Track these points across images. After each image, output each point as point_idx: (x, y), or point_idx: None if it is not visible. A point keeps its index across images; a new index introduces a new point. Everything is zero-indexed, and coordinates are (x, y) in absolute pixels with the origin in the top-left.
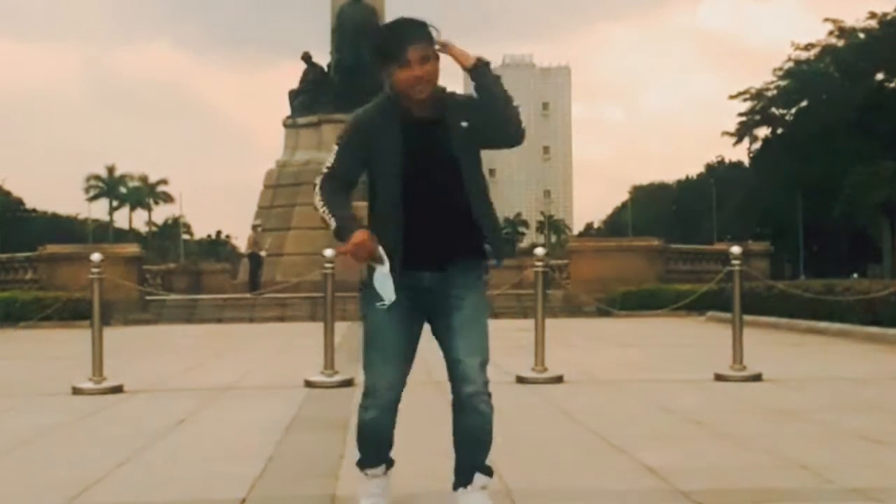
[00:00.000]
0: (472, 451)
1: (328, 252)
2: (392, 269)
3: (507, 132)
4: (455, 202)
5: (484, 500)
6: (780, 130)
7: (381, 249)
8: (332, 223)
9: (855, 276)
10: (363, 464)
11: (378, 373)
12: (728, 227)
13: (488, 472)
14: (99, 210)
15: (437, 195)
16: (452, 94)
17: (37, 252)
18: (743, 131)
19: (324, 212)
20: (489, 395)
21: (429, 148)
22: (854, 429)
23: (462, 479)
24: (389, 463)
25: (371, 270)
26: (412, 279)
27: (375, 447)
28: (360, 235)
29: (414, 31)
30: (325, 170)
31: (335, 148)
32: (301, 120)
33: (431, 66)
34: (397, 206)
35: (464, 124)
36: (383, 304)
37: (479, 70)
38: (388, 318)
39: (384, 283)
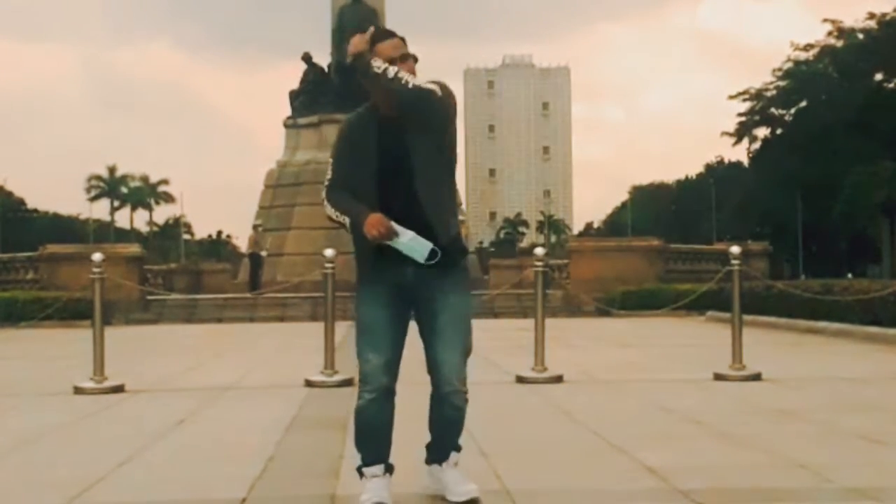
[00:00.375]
0: (447, 435)
1: (328, 252)
2: (371, 265)
3: (411, 107)
4: (422, 198)
5: (459, 474)
6: (779, 131)
7: (393, 223)
8: (347, 220)
9: (850, 276)
10: (362, 463)
11: (370, 361)
12: (727, 227)
13: (459, 448)
14: (100, 210)
15: (408, 191)
16: None
17: (38, 252)
18: (742, 131)
19: (337, 216)
20: (465, 391)
21: (394, 147)
22: (853, 429)
23: (437, 456)
24: (389, 467)
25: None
26: (395, 275)
27: (373, 441)
28: (371, 218)
29: (385, 33)
30: (326, 183)
31: (330, 161)
32: (302, 120)
33: (404, 66)
34: (373, 204)
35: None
36: (430, 255)
37: (355, 64)
38: (377, 310)
39: (414, 243)
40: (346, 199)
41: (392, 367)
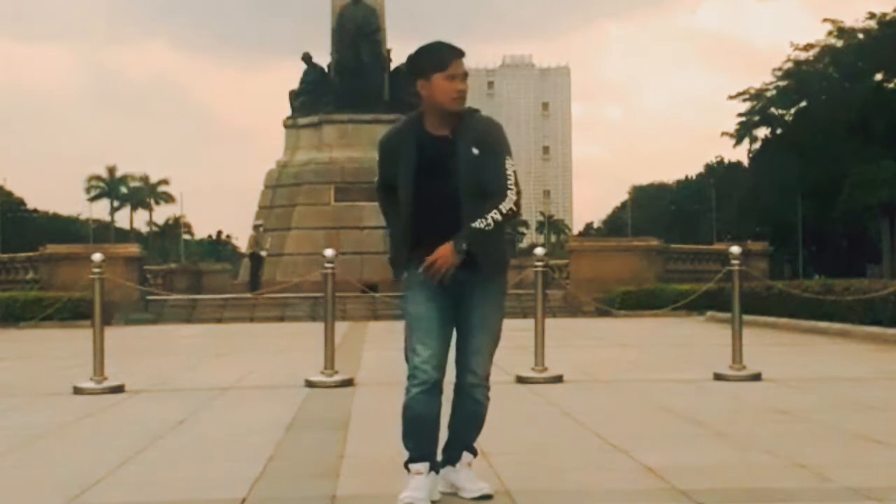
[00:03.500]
0: (464, 432)
1: (328, 252)
2: (405, 264)
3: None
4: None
5: (471, 475)
6: (779, 131)
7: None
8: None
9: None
10: (408, 459)
11: (420, 356)
12: (727, 227)
13: (474, 452)
14: (100, 210)
15: (447, 201)
16: (472, 114)
17: (38, 252)
18: (742, 132)
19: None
20: (488, 387)
21: (437, 161)
22: (853, 429)
23: (450, 456)
24: (434, 465)
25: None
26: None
27: (420, 435)
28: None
29: (460, 51)
30: (376, 181)
31: (378, 161)
32: (301, 120)
33: (467, 86)
34: (410, 210)
35: (475, 151)
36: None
37: (465, 250)
38: (427, 308)
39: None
40: (393, 209)
41: (440, 361)
